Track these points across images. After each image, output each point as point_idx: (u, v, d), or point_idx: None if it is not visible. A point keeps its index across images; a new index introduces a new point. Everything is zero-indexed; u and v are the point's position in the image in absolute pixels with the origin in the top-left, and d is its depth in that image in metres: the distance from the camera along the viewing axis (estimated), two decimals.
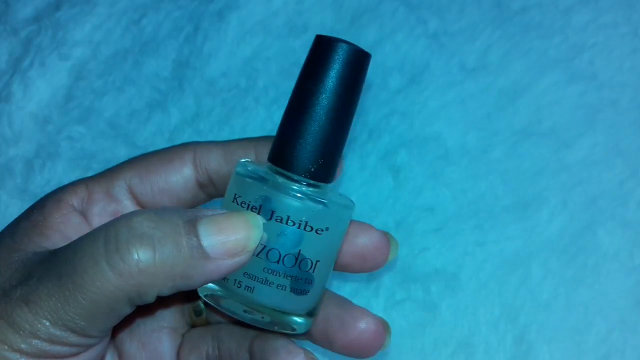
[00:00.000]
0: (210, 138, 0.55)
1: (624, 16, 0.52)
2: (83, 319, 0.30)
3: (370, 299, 0.50)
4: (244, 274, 0.33)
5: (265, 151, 0.36)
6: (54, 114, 0.57)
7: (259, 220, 0.32)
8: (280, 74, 0.56)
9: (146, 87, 0.57)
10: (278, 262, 0.33)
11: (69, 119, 0.56)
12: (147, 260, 0.30)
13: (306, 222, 0.32)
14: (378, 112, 0.54)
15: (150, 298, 0.31)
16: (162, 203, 0.37)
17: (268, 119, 0.55)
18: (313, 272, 0.33)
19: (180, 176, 0.37)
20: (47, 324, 0.30)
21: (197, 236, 0.31)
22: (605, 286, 0.47)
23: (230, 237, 0.31)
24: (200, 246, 0.31)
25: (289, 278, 0.33)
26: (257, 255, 0.32)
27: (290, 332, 0.35)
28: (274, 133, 0.50)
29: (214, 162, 0.37)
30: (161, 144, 0.55)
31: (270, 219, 0.32)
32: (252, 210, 0.32)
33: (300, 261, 0.33)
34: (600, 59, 0.52)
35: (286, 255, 0.33)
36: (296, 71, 0.55)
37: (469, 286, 0.49)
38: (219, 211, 0.32)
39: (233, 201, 0.33)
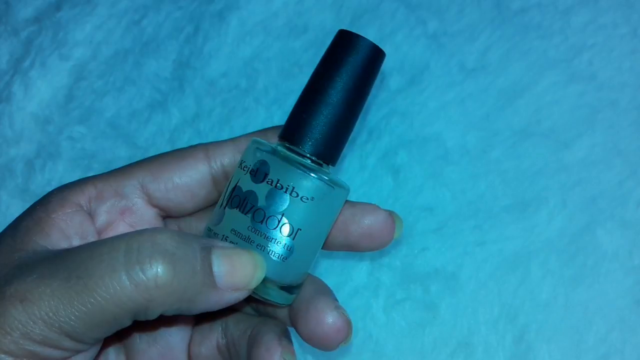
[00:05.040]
0: (210, 138, 0.55)
1: (623, 17, 0.53)
2: (82, 324, 0.29)
3: (370, 299, 0.50)
4: (232, 230, 0.35)
5: (274, 138, 0.38)
6: (55, 114, 0.57)
7: (264, 263, 0.34)
8: (280, 74, 0.56)
9: (147, 88, 0.57)
10: (262, 222, 0.34)
11: (69, 119, 0.56)
12: (165, 277, 0.30)
13: (293, 188, 0.34)
14: (378, 112, 0.54)
15: (154, 315, 0.31)
16: (176, 199, 0.38)
17: (268, 119, 0.55)
18: (293, 239, 0.35)
19: (195, 171, 0.38)
20: (42, 325, 0.29)
21: (210, 265, 0.32)
22: (605, 286, 0.47)
23: (238, 272, 0.32)
24: (211, 274, 0.32)
25: (270, 240, 0.34)
26: (245, 214, 0.34)
27: (265, 299, 0.36)
28: None
29: (228, 155, 0.38)
30: (161, 144, 0.55)
31: (262, 181, 0.35)
32: (250, 174, 0.35)
33: (283, 225, 0.34)
34: (599, 59, 0.52)
35: (270, 216, 0.34)
36: (296, 71, 0.56)
37: (469, 286, 0.49)
38: (231, 245, 0.34)
39: (239, 167, 0.36)
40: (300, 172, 0.34)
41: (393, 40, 0.55)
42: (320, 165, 0.36)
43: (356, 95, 0.36)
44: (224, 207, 0.35)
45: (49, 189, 0.54)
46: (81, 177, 0.55)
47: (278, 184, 0.34)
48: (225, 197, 0.36)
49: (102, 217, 0.36)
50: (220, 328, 0.39)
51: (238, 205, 0.35)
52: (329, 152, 0.36)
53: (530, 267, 0.48)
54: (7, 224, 0.36)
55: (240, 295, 0.33)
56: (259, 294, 0.35)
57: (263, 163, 0.35)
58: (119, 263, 0.30)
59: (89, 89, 0.57)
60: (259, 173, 0.35)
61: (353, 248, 0.38)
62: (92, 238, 0.35)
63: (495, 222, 0.50)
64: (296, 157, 0.35)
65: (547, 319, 0.47)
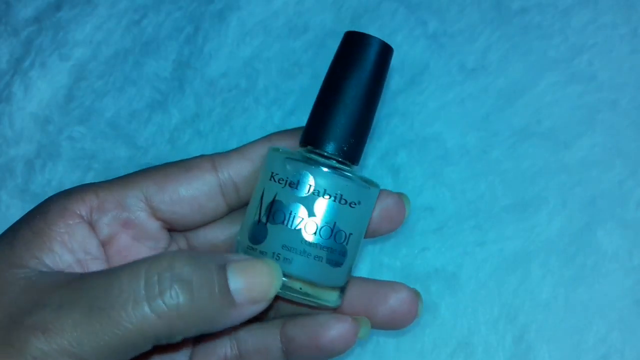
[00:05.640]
0: (210, 138, 0.55)
1: (623, 17, 0.53)
2: (105, 354, 0.30)
3: None
4: (283, 246, 0.34)
5: (279, 144, 0.38)
6: (55, 114, 0.57)
7: (280, 270, 0.33)
8: (280, 74, 0.56)
9: (146, 88, 0.57)
10: (315, 233, 0.34)
11: (69, 119, 0.56)
12: (186, 305, 0.30)
13: (341, 195, 0.35)
14: (378, 112, 0.54)
15: (177, 340, 0.31)
16: (182, 212, 0.37)
17: (268, 119, 0.55)
18: (347, 244, 0.35)
19: (202, 182, 0.37)
20: (65, 356, 0.29)
21: (227, 284, 0.32)
22: (605, 286, 0.47)
23: (255, 286, 0.32)
24: (229, 294, 0.32)
25: (325, 249, 0.35)
26: (294, 228, 0.34)
27: (323, 306, 0.36)
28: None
29: (235, 164, 0.38)
30: (161, 144, 0.55)
31: (308, 192, 0.34)
32: (290, 186, 0.34)
33: (336, 233, 0.35)
34: (599, 59, 0.52)
35: (323, 227, 0.34)
36: (296, 71, 0.56)
37: (469, 286, 0.49)
38: (246, 257, 0.33)
39: (270, 179, 0.35)
40: (345, 179, 0.35)
41: (393, 40, 0.55)
42: (348, 166, 0.36)
43: (373, 93, 0.37)
44: (265, 224, 0.35)
45: (49, 189, 0.55)
46: (81, 177, 0.55)
47: (325, 194, 0.34)
48: (263, 213, 0.35)
49: (104, 230, 0.36)
50: (228, 340, 0.39)
51: (284, 220, 0.34)
52: (354, 152, 0.37)
53: (530, 267, 0.48)
54: (7, 225, 0.35)
55: (259, 307, 0.33)
56: (319, 301, 0.35)
57: (304, 175, 0.34)
58: (140, 295, 0.30)
59: (89, 89, 0.57)
60: (301, 185, 0.34)
61: (376, 233, 0.40)
62: (95, 251, 0.35)
63: (495, 222, 0.50)
64: (334, 162, 0.36)
65: (547, 319, 0.47)
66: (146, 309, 0.30)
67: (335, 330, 0.36)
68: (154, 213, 0.37)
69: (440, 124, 0.53)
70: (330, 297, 0.36)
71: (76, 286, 0.31)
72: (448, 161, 0.52)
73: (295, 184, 0.34)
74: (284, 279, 0.34)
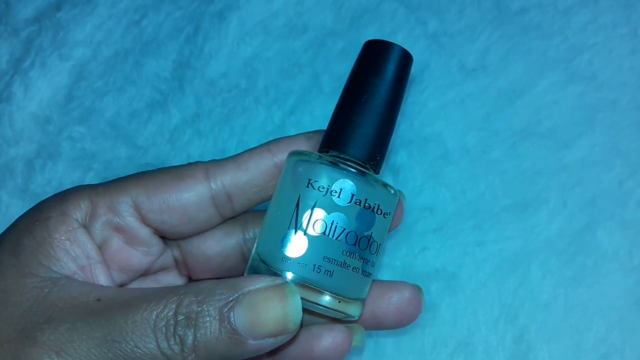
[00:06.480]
0: (210, 138, 0.55)
1: (623, 17, 0.52)
2: None
3: None
4: (324, 257, 0.33)
5: (279, 152, 0.37)
6: (55, 114, 0.57)
7: (299, 299, 0.32)
8: (280, 74, 0.56)
9: (147, 88, 0.57)
10: (355, 244, 0.34)
11: (69, 119, 0.56)
12: (191, 350, 0.31)
13: (378, 206, 0.34)
14: None
15: None
16: (170, 222, 0.37)
17: (268, 119, 0.55)
18: (377, 254, 0.35)
19: (193, 193, 0.36)
20: None
21: (234, 325, 0.31)
22: (605, 286, 0.47)
23: (267, 321, 0.31)
24: (235, 333, 0.31)
25: (362, 260, 0.34)
26: (335, 238, 0.33)
27: (348, 318, 0.36)
28: (273, 133, 0.50)
29: (230, 174, 0.37)
30: (161, 144, 0.55)
31: (350, 202, 0.34)
32: (331, 194, 0.33)
33: (371, 243, 0.34)
34: (599, 59, 0.52)
35: (362, 237, 0.34)
36: (296, 71, 0.56)
37: (469, 286, 0.49)
38: (262, 283, 0.32)
39: (307, 186, 0.34)
40: (383, 189, 0.35)
41: (393, 40, 0.55)
42: (369, 170, 0.36)
43: (399, 99, 0.37)
44: (304, 234, 0.33)
45: (49, 189, 0.55)
46: (81, 177, 0.55)
47: (366, 204, 0.34)
48: (301, 222, 0.34)
49: (97, 235, 0.36)
50: None
51: (325, 230, 0.33)
52: (379, 158, 0.36)
53: (530, 267, 0.48)
54: (7, 226, 0.35)
55: (284, 338, 0.32)
56: (346, 314, 0.35)
57: (347, 183, 0.34)
58: (150, 337, 0.31)
59: (89, 89, 0.57)
60: (343, 194, 0.33)
61: None
62: (95, 255, 0.35)
63: (495, 222, 0.50)
64: (373, 174, 0.35)
65: (547, 319, 0.47)
66: (156, 349, 0.31)
67: (328, 340, 0.36)
68: (144, 220, 0.37)
69: (440, 124, 0.52)
70: (357, 310, 0.35)
71: (92, 311, 0.31)
72: (448, 161, 0.52)
73: (337, 193, 0.33)
74: (326, 296, 0.34)
